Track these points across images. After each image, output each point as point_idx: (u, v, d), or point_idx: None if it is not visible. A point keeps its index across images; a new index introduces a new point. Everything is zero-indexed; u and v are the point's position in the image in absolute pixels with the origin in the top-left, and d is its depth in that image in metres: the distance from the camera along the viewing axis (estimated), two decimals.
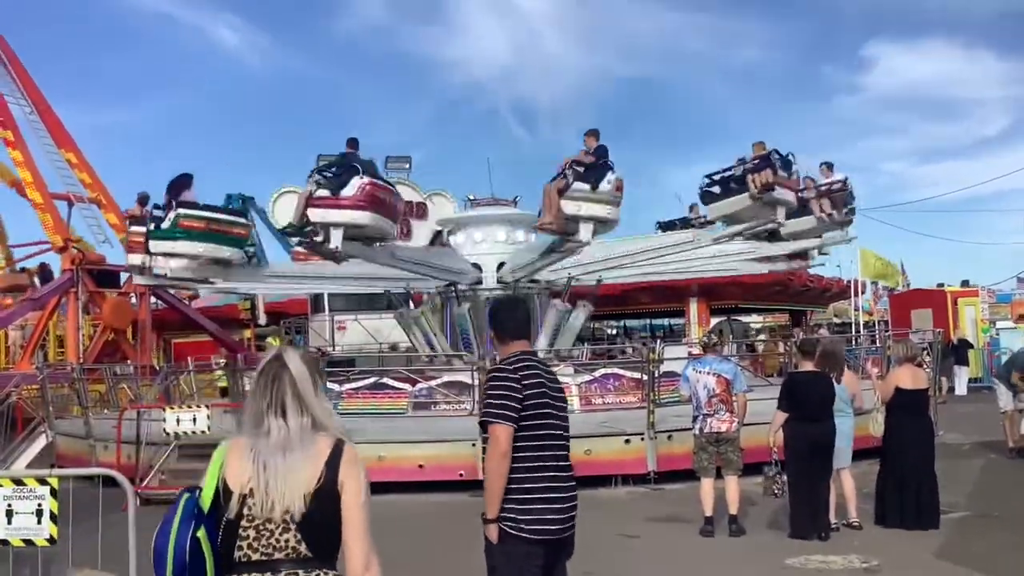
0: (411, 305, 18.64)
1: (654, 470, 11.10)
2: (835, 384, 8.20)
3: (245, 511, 2.51)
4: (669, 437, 11.17)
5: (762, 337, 35.30)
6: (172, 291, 23.71)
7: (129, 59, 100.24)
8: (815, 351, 8.43)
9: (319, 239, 12.35)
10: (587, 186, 12.22)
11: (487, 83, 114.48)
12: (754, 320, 40.90)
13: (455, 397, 14.12)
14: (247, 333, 29.59)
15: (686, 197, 17.57)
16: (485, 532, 3.68)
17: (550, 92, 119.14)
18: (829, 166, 14.87)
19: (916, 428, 8.29)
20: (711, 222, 14.28)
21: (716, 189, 13.26)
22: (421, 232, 18.04)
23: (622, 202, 12.74)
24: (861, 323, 28.09)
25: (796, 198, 13.21)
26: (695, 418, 8.41)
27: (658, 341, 21.32)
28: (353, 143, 12.77)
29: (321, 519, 2.52)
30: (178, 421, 11.40)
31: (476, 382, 12.03)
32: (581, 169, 12.26)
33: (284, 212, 13.93)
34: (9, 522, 5.07)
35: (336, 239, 12.08)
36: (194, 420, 11.36)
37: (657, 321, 38.23)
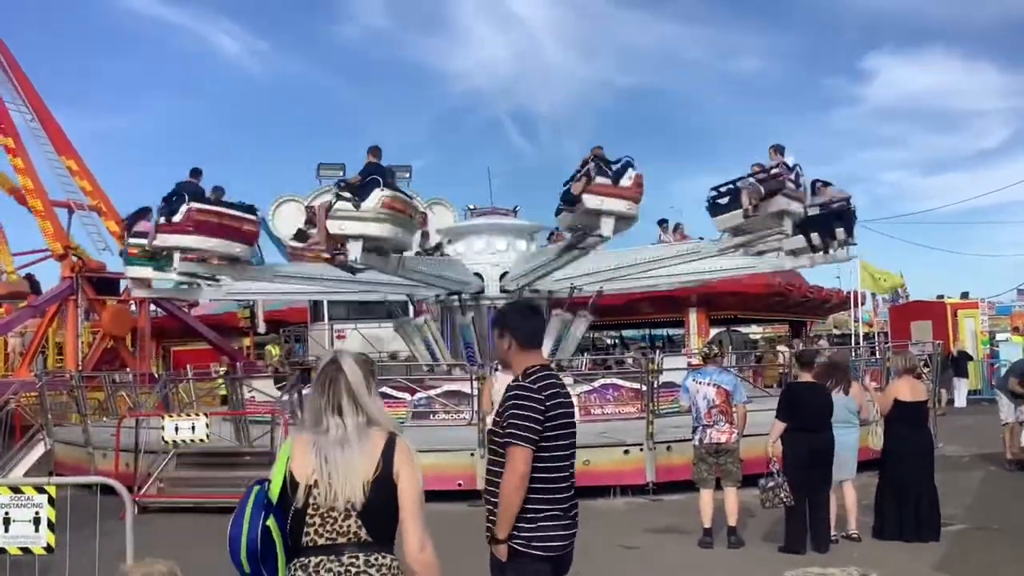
0: (411, 314, 18.65)
1: (653, 481, 11.08)
2: (843, 395, 8.21)
3: (310, 500, 2.78)
4: (668, 448, 11.15)
5: (761, 343, 35.27)
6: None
7: (129, 65, 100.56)
8: (813, 362, 8.43)
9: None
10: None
11: (488, 92, 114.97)
12: (754, 331, 40.86)
13: (454, 407, 14.11)
14: (246, 341, 29.59)
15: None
16: (494, 551, 3.65)
17: (550, 101, 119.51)
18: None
19: (915, 440, 8.28)
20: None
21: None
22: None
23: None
24: (861, 334, 28.08)
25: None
26: (694, 429, 8.39)
27: (657, 351, 21.31)
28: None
29: (379, 506, 2.80)
30: (177, 429, 11.38)
31: (475, 392, 12.03)
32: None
33: (284, 221, 13.98)
34: (6, 530, 5.06)
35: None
36: (193, 428, 11.34)
37: (656, 331, 38.18)
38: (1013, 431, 12.68)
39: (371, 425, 2.89)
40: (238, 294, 19.44)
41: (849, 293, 28.40)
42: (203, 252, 13.29)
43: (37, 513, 5.06)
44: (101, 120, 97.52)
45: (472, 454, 10.70)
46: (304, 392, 12.32)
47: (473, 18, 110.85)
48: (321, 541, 2.78)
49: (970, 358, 23.88)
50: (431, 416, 14.34)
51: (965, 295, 28.96)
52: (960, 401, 22.44)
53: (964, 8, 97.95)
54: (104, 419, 15.44)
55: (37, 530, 5.06)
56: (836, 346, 23.78)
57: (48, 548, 5.10)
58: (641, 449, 11.21)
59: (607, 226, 12.49)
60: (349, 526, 2.78)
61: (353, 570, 2.77)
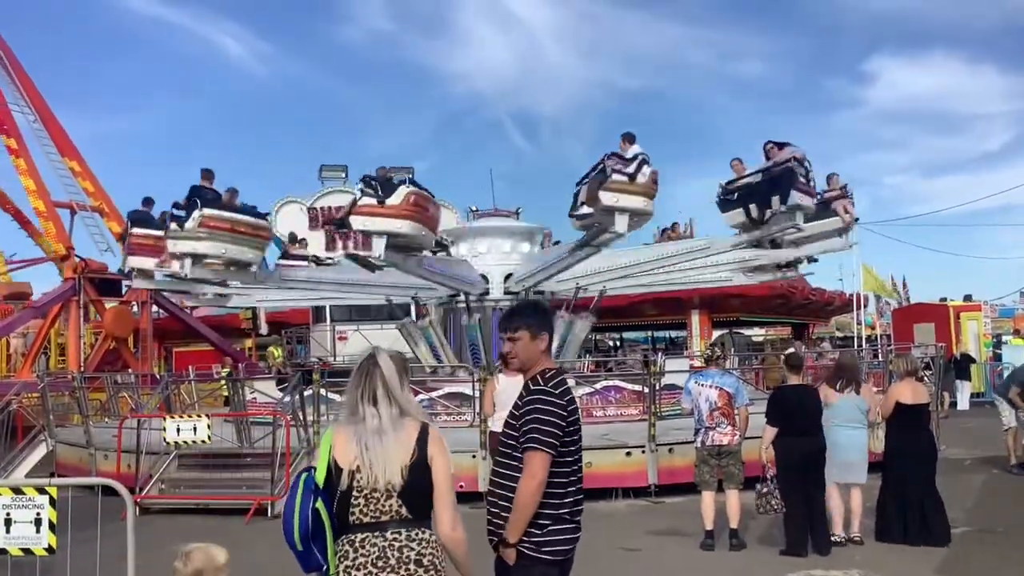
0: (413, 315, 18.63)
1: (655, 483, 11.07)
2: (853, 395, 8.19)
3: (354, 483, 3.08)
4: (670, 450, 11.15)
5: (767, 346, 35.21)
6: (172, 299, 23.74)
7: (131, 65, 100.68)
8: (802, 364, 8.42)
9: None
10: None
11: (489, 94, 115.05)
12: (756, 333, 40.85)
13: (456, 409, 14.09)
14: (248, 342, 29.61)
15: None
16: (502, 554, 3.64)
17: (552, 103, 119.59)
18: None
19: (917, 443, 8.26)
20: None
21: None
22: None
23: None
24: (863, 337, 28.03)
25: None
26: (697, 431, 8.39)
27: (659, 354, 21.29)
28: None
29: (417, 487, 3.10)
30: (178, 430, 11.37)
31: (477, 393, 12.01)
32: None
33: (286, 222, 14.01)
34: (8, 531, 5.05)
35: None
36: (194, 429, 11.33)
37: (659, 333, 38.17)
38: (1016, 436, 12.66)
39: (404, 415, 3.16)
40: (245, 300, 19.26)
41: (851, 296, 28.37)
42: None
43: (38, 514, 5.05)
44: (103, 121, 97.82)
45: (474, 456, 10.68)
46: (306, 394, 12.32)
47: (474, 19, 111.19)
48: (366, 519, 3.08)
49: (973, 360, 23.85)
50: (433, 418, 14.27)
51: (968, 298, 28.93)
52: (963, 404, 22.40)
53: (966, 11, 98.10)
54: (106, 420, 15.44)
55: (38, 531, 5.05)
56: (839, 348, 23.76)
57: (49, 549, 5.09)
58: (643, 451, 11.20)
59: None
60: (391, 505, 3.07)
61: (397, 544, 3.07)
